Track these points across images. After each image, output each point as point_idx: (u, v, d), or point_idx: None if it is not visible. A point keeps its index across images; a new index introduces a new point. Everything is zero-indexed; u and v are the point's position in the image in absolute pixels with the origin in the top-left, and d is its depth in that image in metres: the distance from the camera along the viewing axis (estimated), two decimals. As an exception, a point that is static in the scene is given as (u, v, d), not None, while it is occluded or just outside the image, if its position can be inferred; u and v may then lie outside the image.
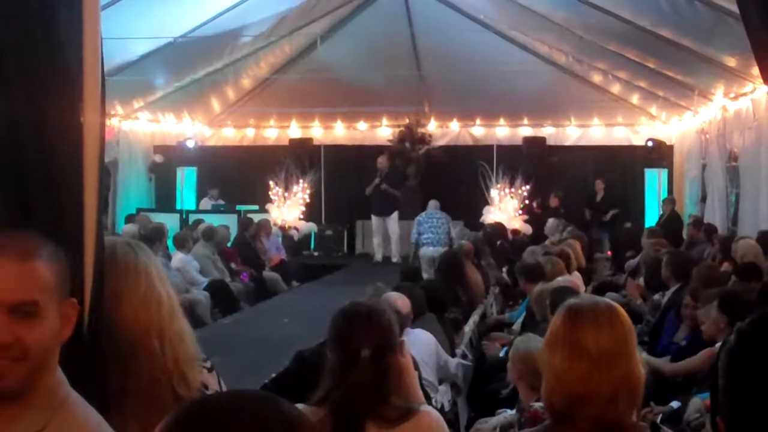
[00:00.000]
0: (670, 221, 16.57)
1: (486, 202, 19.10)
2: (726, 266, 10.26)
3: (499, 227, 17.10)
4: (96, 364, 2.37)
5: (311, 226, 19.98)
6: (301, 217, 19.84)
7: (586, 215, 18.65)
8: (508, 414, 5.80)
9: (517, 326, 9.44)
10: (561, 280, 8.79)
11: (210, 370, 2.81)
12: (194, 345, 2.76)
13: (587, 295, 3.34)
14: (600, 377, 2.57)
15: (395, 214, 17.97)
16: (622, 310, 2.74)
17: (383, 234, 18.06)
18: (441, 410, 6.21)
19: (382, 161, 18.16)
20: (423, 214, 17.19)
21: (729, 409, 1.69)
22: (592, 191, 19.04)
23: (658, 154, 19.16)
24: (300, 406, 3.28)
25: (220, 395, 1.70)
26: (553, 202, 18.76)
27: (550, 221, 16.79)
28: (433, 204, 17.32)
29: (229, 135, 21.60)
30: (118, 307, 2.55)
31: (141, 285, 2.64)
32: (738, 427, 1.67)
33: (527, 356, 5.51)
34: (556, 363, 2.63)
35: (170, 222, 15.49)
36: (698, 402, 5.84)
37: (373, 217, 18.21)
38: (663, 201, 18.11)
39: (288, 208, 19.60)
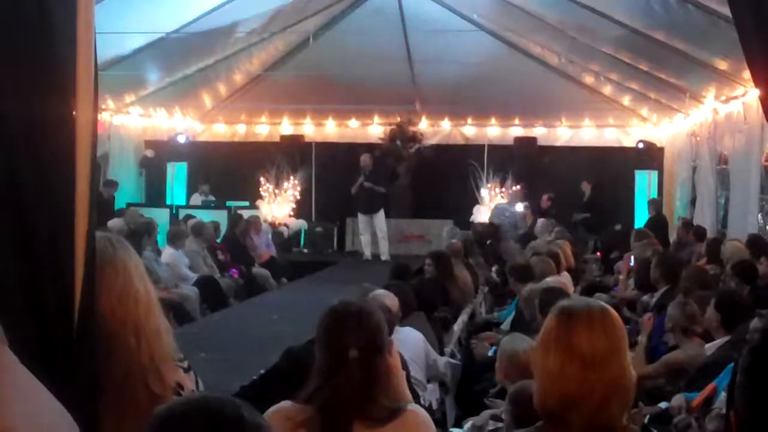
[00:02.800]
0: (655, 223, 16.59)
1: (476, 201, 19.13)
2: (712, 268, 10.31)
3: (489, 227, 17.11)
4: (86, 360, 2.36)
5: (301, 223, 19.99)
6: (292, 213, 19.86)
7: (573, 217, 18.66)
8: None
9: (506, 326, 9.45)
10: (550, 281, 8.82)
11: (187, 370, 2.77)
12: (171, 343, 2.73)
13: (580, 297, 3.36)
14: (593, 379, 2.58)
15: (381, 212, 17.91)
16: (614, 313, 2.75)
17: (371, 231, 18.04)
18: (429, 409, 6.22)
19: (365, 159, 18.11)
20: None
21: (744, 405, 1.69)
22: (580, 192, 19.08)
23: (649, 155, 19.23)
24: (287, 403, 3.28)
25: (187, 404, 1.75)
26: (545, 203, 18.79)
27: (540, 222, 16.81)
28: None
29: (221, 131, 21.57)
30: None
31: (118, 280, 2.62)
32: (751, 424, 1.67)
33: (513, 355, 5.54)
34: (550, 364, 2.64)
35: (160, 217, 15.47)
36: (680, 399, 5.86)
37: (360, 215, 18.16)
38: (648, 203, 18.15)
39: (278, 204, 19.62)
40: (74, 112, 2.36)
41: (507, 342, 5.86)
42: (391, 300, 6.25)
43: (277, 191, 19.67)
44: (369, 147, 19.44)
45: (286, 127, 21.30)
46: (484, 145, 20.31)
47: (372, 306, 3.57)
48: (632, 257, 12.34)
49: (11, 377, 1.97)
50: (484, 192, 19.07)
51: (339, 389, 3.21)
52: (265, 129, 21.50)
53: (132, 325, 2.60)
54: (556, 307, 2.77)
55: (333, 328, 3.36)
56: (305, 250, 20.03)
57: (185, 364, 2.79)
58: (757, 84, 3.69)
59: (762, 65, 3.51)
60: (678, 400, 5.86)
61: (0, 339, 2.01)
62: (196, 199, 19.68)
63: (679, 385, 6.45)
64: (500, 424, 5.24)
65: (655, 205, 17.79)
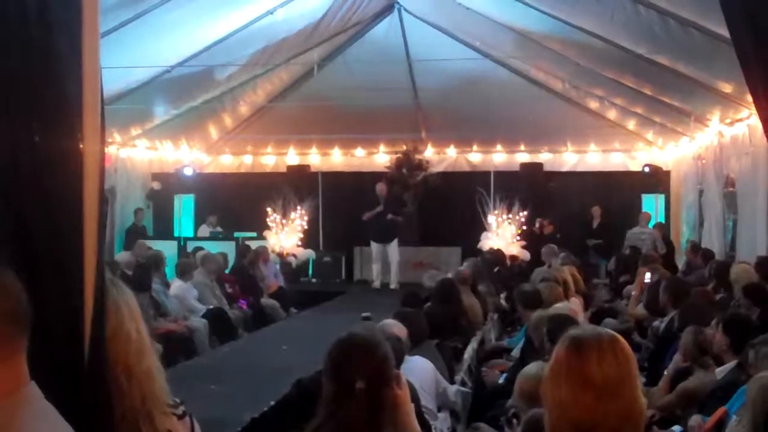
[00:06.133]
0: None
1: (483, 228, 19.10)
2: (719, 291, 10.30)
3: (498, 253, 17.09)
4: (96, 396, 2.36)
5: (309, 253, 19.98)
6: (299, 243, 19.84)
7: (588, 243, 18.64)
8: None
9: (516, 352, 9.41)
10: (559, 307, 8.78)
11: (181, 416, 2.73)
12: (164, 386, 2.70)
13: (589, 326, 3.35)
14: (605, 407, 2.57)
15: (395, 241, 17.95)
16: (623, 340, 2.74)
17: (383, 260, 18.02)
18: (440, 438, 6.20)
19: (381, 188, 18.15)
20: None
21: None
22: (589, 217, 19.05)
23: (655, 179, 19.23)
24: (294, 435, 3.28)
25: None
26: (547, 229, 18.79)
27: (545, 248, 16.79)
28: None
29: (227, 162, 21.66)
30: None
31: (110, 322, 2.56)
32: None
33: (521, 380, 5.53)
34: (561, 394, 2.63)
35: (168, 249, 15.48)
36: (698, 419, 5.84)
37: (373, 244, 18.15)
38: (652, 227, 18.08)
39: (286, 234, 19.61)
40: (81, 146, 2.38)
41: (526, 369, 5.85)
42: (399, 329, 6.25)
43: (284, 221, 19.68)
44: (375, 176, 19.47)
45: (293, 157, 21.38)
46: (490, 172, 20.33)
47: (379, 337, 3.57)
48: (647, 273, 12.28)
49: (38, 410, 2.00)
50: (491, 218, 19.05)
51: (345, 421, 3.20)
52: (272, 159, 21.60)
53: (123, 367, 2.58)
54: (566, 336, 2.76)
55: (340, 360, 3.35)
56: (314, 280, 20.02)
57: (179, 411, 2.73)
58: (758, 108, 3.70)
59: (762, 88, 3.52)
60: (695, 420, 5.84)
61: (25, 375, 2.04)
62: (204, 230, 19.70)
63: (691, 411, 6.43)
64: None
65: (661, 229, 17.75)
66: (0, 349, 1.99)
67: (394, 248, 17.95)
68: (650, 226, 18.01)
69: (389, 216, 17.73)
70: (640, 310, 11.37)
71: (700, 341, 6.86)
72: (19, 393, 2.02)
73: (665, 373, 7.33)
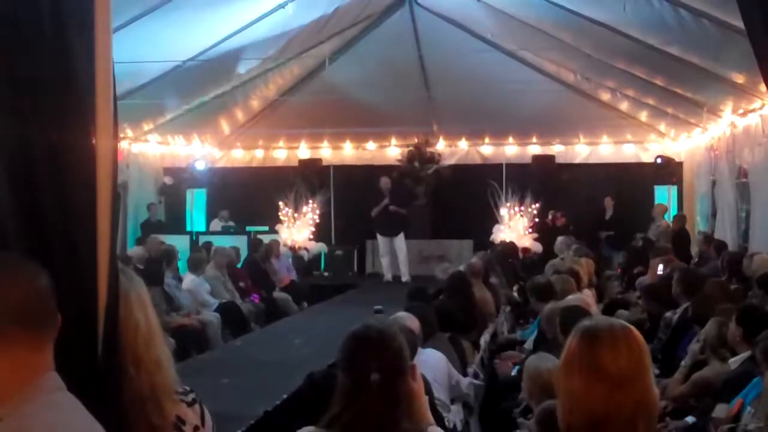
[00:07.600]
0: (678, 238, 16.46)
1: (496, 220, 19.10)
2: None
3: (510, 246, 17.08)
4: (109, 388, 2.37)
5: (321, 247, 20.00)
6: (311, 237, 19.88)
7: (600, 236, 18.62)
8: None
9: (529, 345, 9.41)
10: (571, 299, 8.77)
11: (191, 404, 2.74)
12: (172, 374, 2.72)
13: (601, 317, 3.33)
14: (619, 398, 2.56)
15: (402, 234, 17.92)
16: (636, 331, 2.73)
17: (392, 253, 18.00)
18: (453, 430, 6.20)
19: (385, 182, 18.13)
20: None
21: None
22: (602, 209, 19.02)
23: (668, 170, 19.16)
24: (309, 428, 3.27)
25: None
26: (560, 221, 18.76)
27: (559, 239, 16.77)
28: None
29: (239, 156, 21.67)
30: None
31: (119, 311, 2.59)
32: None
33: (535, 374, 5.53)
34: (575, 385, 2.62)
35: (180, 244, 15.50)
36: (724, 408, 5.84)
37: (380, 237, 18.13)
38: (672, 218, 18.02)
39: (298, 228, 19.65)
40: (94, 141, 2.38)
41: (531, 361, 5.85)
42: (412, 321, 6.25)
43: (296, 215, 19.72)
44: (387, 169, 19.45)
45: (304, 151, 21.38)
46: (502, 164, 20.30)
47: (393, 329, 3.54)
48: (659, 265, 12.22)
49: (58, 401, 2.01)
50: (503, 211, 19.05)
51: (361, 413, 3.19)
52: (283, 153, 21.60)
53: (132, 355, 2.59)
54: (578, 327, 2.74)
55: (354, 352, 3.34)
56: (326, 274, 20.05)
57: (189, 398, 2.75)
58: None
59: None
60: (721, 410, 5.83)
61: (49, 364, 2.05)
62: (216, 225, 19.73)
63: (705, 401, 6.42)
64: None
65: (680, 220, 17.65)
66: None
67: (400, 241, 17.91)
68: (666, 218, 17.98)
69: (391, 208, 17.71)
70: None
71: (723, 333, 6.83)
72: (27, 388, 2.03)
73: (681, 364, 7.31)
